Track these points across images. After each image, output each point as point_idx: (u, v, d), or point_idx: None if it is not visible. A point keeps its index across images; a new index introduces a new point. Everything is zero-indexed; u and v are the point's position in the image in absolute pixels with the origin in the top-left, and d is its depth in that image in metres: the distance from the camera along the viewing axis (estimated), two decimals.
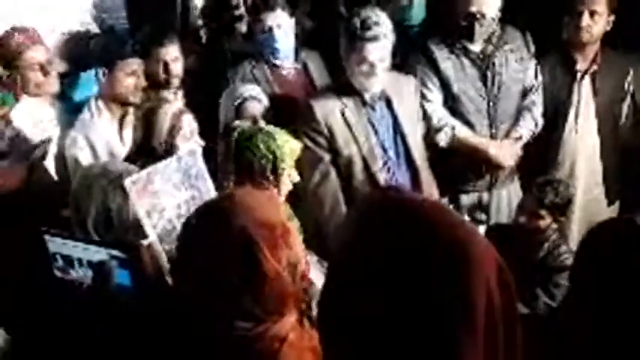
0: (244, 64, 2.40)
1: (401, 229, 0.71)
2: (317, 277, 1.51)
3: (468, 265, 0.68)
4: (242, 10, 3.39)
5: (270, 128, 1.78)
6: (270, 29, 2.34)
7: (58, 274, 1.38)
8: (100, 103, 2.14)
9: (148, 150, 1.80)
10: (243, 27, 3.21)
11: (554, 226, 2.11)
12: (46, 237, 1.36)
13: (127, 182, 1.41)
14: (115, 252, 1.28)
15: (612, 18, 2.33)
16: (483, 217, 1.62)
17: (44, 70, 2.06)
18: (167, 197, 1.50)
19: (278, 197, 1.48)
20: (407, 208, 0.74)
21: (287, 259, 1.12)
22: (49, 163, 2.10)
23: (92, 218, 1.44)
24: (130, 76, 2.12)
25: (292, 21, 2.41)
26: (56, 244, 1.35)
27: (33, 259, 1.45)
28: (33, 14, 2.42)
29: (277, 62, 2.41)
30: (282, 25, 2.35)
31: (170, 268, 1.41)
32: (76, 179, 1.56)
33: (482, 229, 1.64)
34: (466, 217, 1.65)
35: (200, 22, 3.24)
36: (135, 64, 2.14)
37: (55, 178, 2.10)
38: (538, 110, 2.40)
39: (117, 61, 2.11)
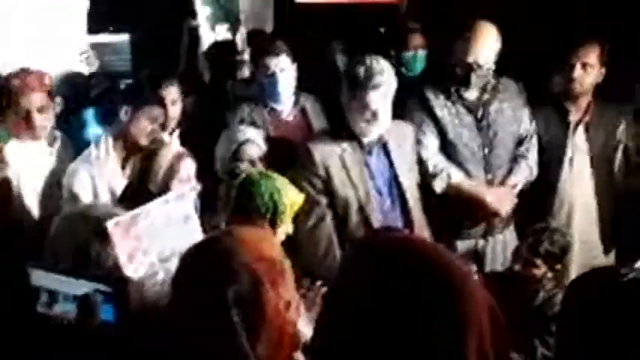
0: (243, 106, 2.42)
1: (392, 267, 0.71)
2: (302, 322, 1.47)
3: (460, 301, 0.68)
4: (246, 55, 3.48)
5: (275, 177, 1.74)
6: (274, 74, 2.37)
7: (41, 309, 1.30)
8: (111, 141, 2.12)
9: (144, 192, 1.79)
10: (245, 71, 3.29)
11: (550, 274, 2.08)
12: (30, 269, 1.30)
13: (110, 224, 1.36)
14: (100, 286, 1.23)
15: (603, 70, 2.37)
16: (474, 267, 1.60)
17: (29, 117, 2.06)
18: (151, 241, 1.44)
19: (273, 235, 1.46)
20: (398, 247, 0.75)
21: (285, 296, 1.09)
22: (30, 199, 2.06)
23: (69, 264, 1.38)
24: (151, 122, 2.12)
25: (294, 66, 2.44)
26: (40, 277, 1.29)
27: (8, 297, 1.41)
28: (33, 14, 2.48)
29: (276, 106, 2.43)
30: (284, 70, 2.38)
31: (162, 306, 1.37)
32: (55, 222, 1.49)
33: None
34: None
35: (204, 64, 3.32)
36: (157, 111, 2.15)
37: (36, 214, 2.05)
38: (533, 158, 2.41)
39: (142, 105, 2.12)
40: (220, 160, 2.15)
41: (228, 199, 1.72)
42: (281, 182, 1.70)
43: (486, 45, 2.27)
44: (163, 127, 2.31)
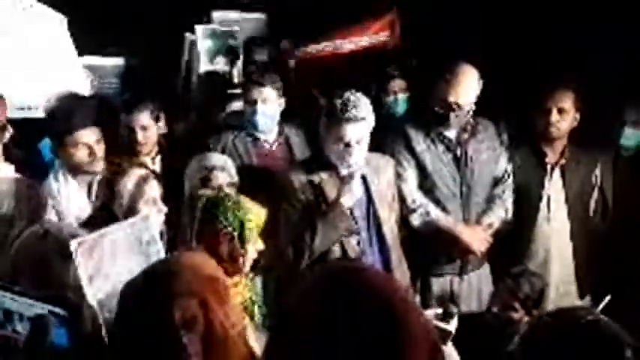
0: (227, 134, 2.29)
1: (346, 299, 0.70)
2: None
3: (403, 342, 0.67)
4: (239, 89, 3.34)
5: (237, 197, 1.64)
6: (255, 102, 2.25)
7: None
8: (65, 172, 1.92)
9: (108, 214, 1.61)
10: (236, 104, 3.14)
11: (527, 318, 1.89)
12: None
13: (73, 244, 1.26)
14: (55, 309, 1.12)
15: (578, 115, 2.26)
16: (455, 309, 1.44)
17: None
18: (114, 262, 1.34)
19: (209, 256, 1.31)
20: (358, 281, 0.73)
21: (229, 316, 1.01)
22: None
23: (30, 285, 1.25)
24: (82, 148, 1.90)
25: (280, 99, 2.31)
26: None
27: None
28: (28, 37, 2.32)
29: (259, 135, 2.30)
30: (267, 100, 2.26)
31: (109, 334, 1.22)
32: (15, 244, 1.37)
33: (454, 322, 1.45)
34: (438, 310, 1.47)
35: (197, 91, 3.18)
36: (84, 135, 1.90)
37: None
38: (509, 198, 2.28)
39: (66, 135, 1.89)
40: (188, 184, 1.99)
41: (192, 223, 1.59)
42: (242, 200, 1.62)
43: (467, 86, 2.16)
44: (133, 151, 2.13)
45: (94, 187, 1.94)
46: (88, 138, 1.91)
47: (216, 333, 0.98)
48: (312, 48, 3.13)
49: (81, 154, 1.90)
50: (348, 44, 3.21)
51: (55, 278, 1.27)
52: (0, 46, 2.34)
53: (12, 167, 1.92)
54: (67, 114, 1.93)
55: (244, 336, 1.06)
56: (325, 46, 3.18)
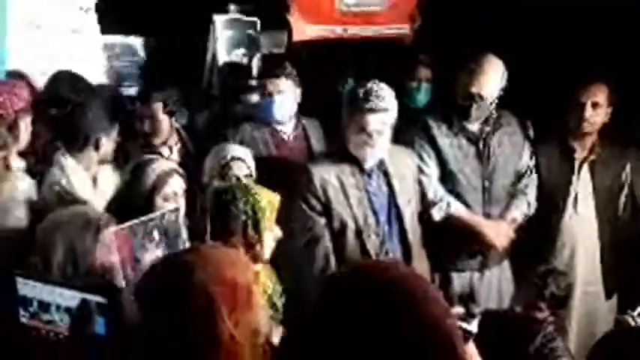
0: (245, 125, 2.22)
1: (375, 302, 0.68)
2: None
3: (429, 342, 0.66)
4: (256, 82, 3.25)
5: (247, 183, 1.58)
6: (271, 94, 2.17)
7: (25, 320, 1.16)
8: (70, 160, 1.79)
9: (127, 204, 1.55)
10: (254, 97, 3.05)
11: (551, 318, 1.77)
12: (19, 279, 1.16)
13: (110, 232, 1.26)
14: (92, 297, 1.07)
15: (610, 110, 2.12)
16: (477, 309, 1.34)
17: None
18: (143, 252, 1.33)
19: (245, 257, 1.21)
20: (388, 284, 0.71)
21: (247, 324, 0.92)
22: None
23: (58, 263, 1.26)
24: (112, 144, 1.88)
25: (297, 90, 2.22)
26: (28, 288, 1.16)
27: None
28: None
29: (277, 126, 2.22)
30: (283, 92, 2.17)
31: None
32: (42, 224, 1.37)
33: (476, 322, 1.35)
34: (460, 309, 1.37)
35: (216, 81, 3.10)
36: (115, 134, 1.88)
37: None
38: (532, 193, 2.16)
39: (102, 134, 1.84)
40: (207, 175, 1.91)
41: (203, 215, 1.52)
42: (252, 187, 1.56)
43: (490, 78, 2.04)
44: (146, 141, 2.09)
45: (99, 179, 1.86)
46: (117, 136, 1.91)
47: (222, 338, 0.90)
48: (328, 32, 2.97)
49: (107, 150, 1.87)
50: (365, 32, 3.05)
51: (82, 257, 1.26)
52: (30, 35, 2.29)
53: (23, 165, 1.85)
54: (99, 114, 1.89)
55: (263, 345, 0.97)
56: (341, 32, 3.02)
